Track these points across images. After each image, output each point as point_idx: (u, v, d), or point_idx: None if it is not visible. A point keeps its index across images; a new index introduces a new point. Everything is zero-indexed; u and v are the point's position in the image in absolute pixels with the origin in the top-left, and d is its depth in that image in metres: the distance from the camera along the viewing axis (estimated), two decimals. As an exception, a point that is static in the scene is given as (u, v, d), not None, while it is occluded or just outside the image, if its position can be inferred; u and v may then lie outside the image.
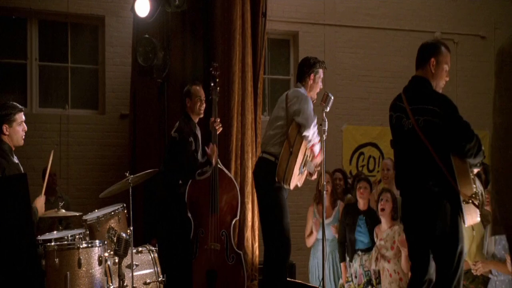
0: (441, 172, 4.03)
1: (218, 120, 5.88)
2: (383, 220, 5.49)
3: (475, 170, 4.23)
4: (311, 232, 6.39)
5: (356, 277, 5.75)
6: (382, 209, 5.42)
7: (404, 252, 5.18)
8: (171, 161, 5.61)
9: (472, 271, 4.74)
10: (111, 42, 8.20)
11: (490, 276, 4.61)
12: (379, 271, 5.55)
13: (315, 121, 5.11)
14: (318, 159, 5.23)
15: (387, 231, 5.40)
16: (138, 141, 7.13)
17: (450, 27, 9.45)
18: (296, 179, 5.16)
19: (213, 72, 6.00)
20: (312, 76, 5.29)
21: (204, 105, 5.78)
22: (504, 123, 2.70)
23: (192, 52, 6.77)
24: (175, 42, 6.81)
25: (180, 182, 5.67)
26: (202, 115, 5.82)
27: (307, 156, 5.22)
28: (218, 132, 5.88)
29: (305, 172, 5.32)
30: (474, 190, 4.04)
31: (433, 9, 9.62)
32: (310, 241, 6.42)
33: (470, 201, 3.98)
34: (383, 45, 9.38)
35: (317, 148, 5.16)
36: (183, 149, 5.55)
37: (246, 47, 6.60)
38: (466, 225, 4.16)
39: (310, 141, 5.06)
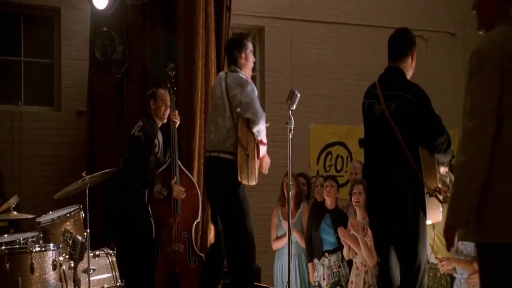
0: (408, 161, 4.09)
1: (176, 112, 5.93)
2: (358, 211, 5.58)
3: (442, 169, 4.30)
4: (277, 236, 6.42)
5: (324, 279, 5.81)
6: (357, 202, 5.51)
7: (360, 240, 5.28)
8: (134, 161, 5.57)
9: (439, 267, 4.81)
10: (67, 35, 8.08)
11: (455, 275, 4.69)
12: (349, 269, 5.62)
13: (264, 117, 5.08)
14: (263, 163, 5.17)
15: (361, 221, 5.48)
16: (96, 139, 7.05)
17: (419, 24, 9.56)
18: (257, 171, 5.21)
19: (169, 73, 6.02)
20: (243, 54, 5.25)
21: (168, 110, 5.84)
22: (472, 126, 2.73)
23: (152, 46, 6.72)
24: (135, 36, 6.76)
25: (142, 183, 5.65)
26: (165, 121, 5.86)
27: None
28: (177, 125, 5.93)
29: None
30: (439, 185, 4.12)
31: (402, 5, 9.74)
32: (277, 245, 6.44)
33: (434, 194, 4.06)
34: (352, 41, 9.46)
35: (262, 149, 5.12)
36: (148, 150, 5.56)
37: (210, 42, 6.58)
38: (426, 221, 4.23)
39: (258, 135, 5.05)
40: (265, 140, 5.10)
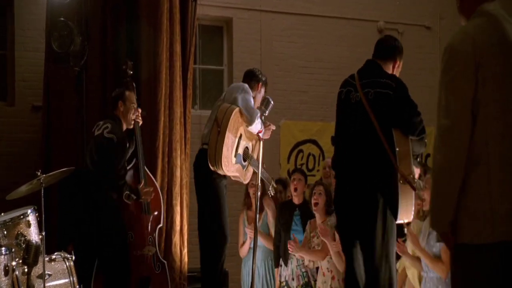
0: (382, 146, 4.19)
1: (140, 111, 5.88)
2: (317, 215, 5.63)
3: (415, 169, 4.37)
4: (244, 242, 6.45)
5: (293, 279, 5.83)
6: (316, 203, 5.55)
7: (329, 246, 5.32)
8: (105, 164, 5.49)
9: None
10: (21, 25, 7.98)
11: (422, 273, 4.76)
12: (317, 269, 5.66)
13: (259, 113, 5.37)
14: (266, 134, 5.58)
15: (321, 224, 5.52)
16: (53, 136, 6.98)
17: (394, 17, 9.66)
18: (233, 168, 5.32)
19: (127, 70, 6.03)
20: (260, 84, 5.66)
21: (135, 114, 5.80)
22: (448, 124, 2.76)
23: (113, 38, 6.67)
24: (95, 27, 6.71)
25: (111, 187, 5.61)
26: (131, 127, 5.81)
27: (249, 148, 5.47)
28: (139, 124, 5.91)
29: (250, 168, 5.58)
30: (413, 171, 4.20)
31: (376, -3, 9.82)
32: (244, 251, 6.46)
33: (407, 181, 4.11)
34: (324, 34, 9.50)
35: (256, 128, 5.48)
36: (121, 154, 5.55)
37: (175, 34, 6.56)
38: (397, 221, 4.31)
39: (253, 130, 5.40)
40: (257, 130, 5.48)
